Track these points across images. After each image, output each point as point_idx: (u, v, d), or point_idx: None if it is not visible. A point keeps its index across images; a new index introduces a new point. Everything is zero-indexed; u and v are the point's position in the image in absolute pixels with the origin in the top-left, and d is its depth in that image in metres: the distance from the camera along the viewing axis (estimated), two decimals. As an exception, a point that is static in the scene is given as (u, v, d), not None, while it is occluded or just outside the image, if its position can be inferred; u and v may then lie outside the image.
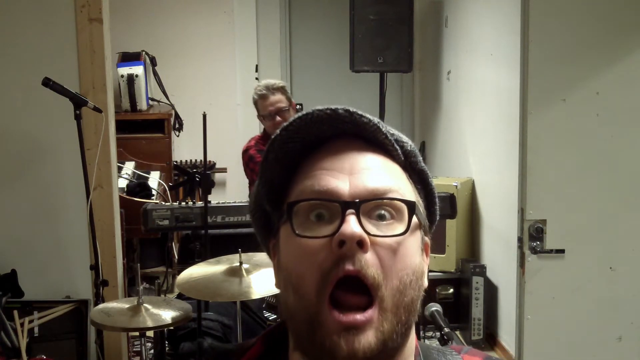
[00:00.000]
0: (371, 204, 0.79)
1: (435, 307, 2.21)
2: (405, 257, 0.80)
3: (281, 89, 3.76)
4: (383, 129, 0.83)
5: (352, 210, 0.77)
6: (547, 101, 2.60)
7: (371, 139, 0.83)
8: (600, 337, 2.72)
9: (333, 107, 0.81)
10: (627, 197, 2.67)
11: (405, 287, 0.79)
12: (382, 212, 0.79)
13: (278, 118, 3.70)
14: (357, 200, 0.78)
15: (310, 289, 0.77)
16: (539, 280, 2.68)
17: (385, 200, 0.79)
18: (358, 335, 0.76)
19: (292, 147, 0.82)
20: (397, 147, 0.84)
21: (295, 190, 0.82)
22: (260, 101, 3.74)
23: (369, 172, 0.81)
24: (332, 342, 0.76)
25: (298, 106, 6.04)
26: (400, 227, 0.79)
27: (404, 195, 0.82)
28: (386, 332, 0.77)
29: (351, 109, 0.81)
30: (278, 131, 0.83)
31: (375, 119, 0.83)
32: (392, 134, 0.84)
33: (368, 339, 0.76)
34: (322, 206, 0.79)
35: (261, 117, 3.77)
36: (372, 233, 0.78)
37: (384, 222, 0.79)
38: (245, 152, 3.84)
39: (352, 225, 0.76)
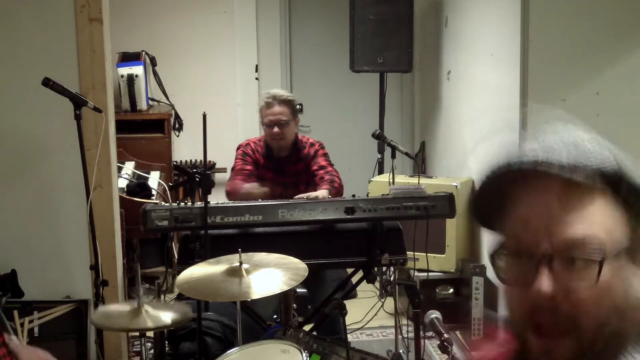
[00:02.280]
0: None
1: (434, 314, 2.26)
2: (602, 298, 0.84)
3: (287, 102, 3.78)
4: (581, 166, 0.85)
5: (545, 265, 0.84)
6: (547, 101, 2.61)
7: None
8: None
9: (541, 159, 0.85)
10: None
11: (603, 324, 0.84)
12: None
13: (276, 129, 3.72)
14: (550, 253, 0.84)
15: (516, 318, 0.90)
16: (538, 280, 2.67)
17: (577, 255, 0.84)
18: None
19: (502, 180, 0.90)
20: (594, 178, 0.86)
21: (502, 227, 0.91)
22: (264, 108, 3.77)
23: (563, 221, 0.85)
24: None
25: (298, 106, 6.06)
26: (594, 269, 0.84)
27: (599, 240, 0.85)
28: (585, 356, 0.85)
29: (552, 159, 0.85)
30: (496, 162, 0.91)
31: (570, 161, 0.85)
32: (590, 166, 0.86)
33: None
34: (520, 255, 0.88)
35: (262, 124, 3.80)
36: (564, 281, 0.84)
37: (578, 267, 0.84)
38: (237, 149, 3.89)
39: (543, 282, 0.84)
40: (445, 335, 2.18)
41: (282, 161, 3.79)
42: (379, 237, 3.08)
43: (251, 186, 3.56)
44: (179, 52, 5.79)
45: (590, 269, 0.83)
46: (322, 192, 3.45)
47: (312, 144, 3.85)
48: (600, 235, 0.85)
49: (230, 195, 3.63)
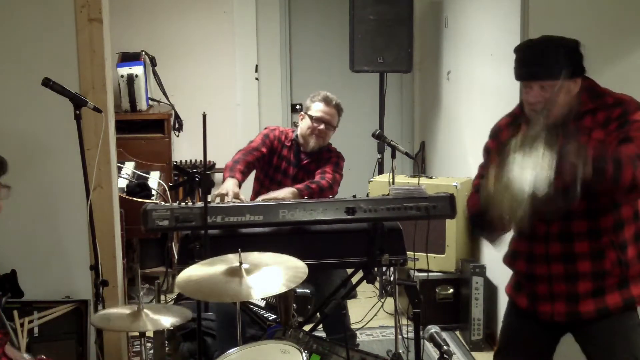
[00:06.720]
0: None
1: (434, 328, 2.37)
2: None
3: (340, 111, 3.87)
4: None
5: None
6: (547, 101, 2.60)
7: None
8: (600, 337, 2.71)
9: None
10: (627, 197, 2.66)
11: None
12: None
13: (322, 126, 3.78)
14: None
15: None
16: (539, 280, 2.67)
17: None
18: None
19: None
20: None
21: None
22: (320, 103, 3.81)
23: None
24: None
25: (298, 106, 6.05)
26: None
27: None
28: None
29: None
30: None
31: None
32: None
33: None
34: None
35: (309, 115, 3.81)
36: None
37: None
38: (265, 128, 3.94)
39: None
40: (444, 347, 2.25)
41: (303, 155, 3.83)
42: (379, 237, 3.08)
43: (229, 186, 3.48)
44: (179, 52, 5.79)
45: None
46: (284, 192, 3.50)
47: (331, 151, 3.88)
48: None
49: (224, 168, 3.64)
